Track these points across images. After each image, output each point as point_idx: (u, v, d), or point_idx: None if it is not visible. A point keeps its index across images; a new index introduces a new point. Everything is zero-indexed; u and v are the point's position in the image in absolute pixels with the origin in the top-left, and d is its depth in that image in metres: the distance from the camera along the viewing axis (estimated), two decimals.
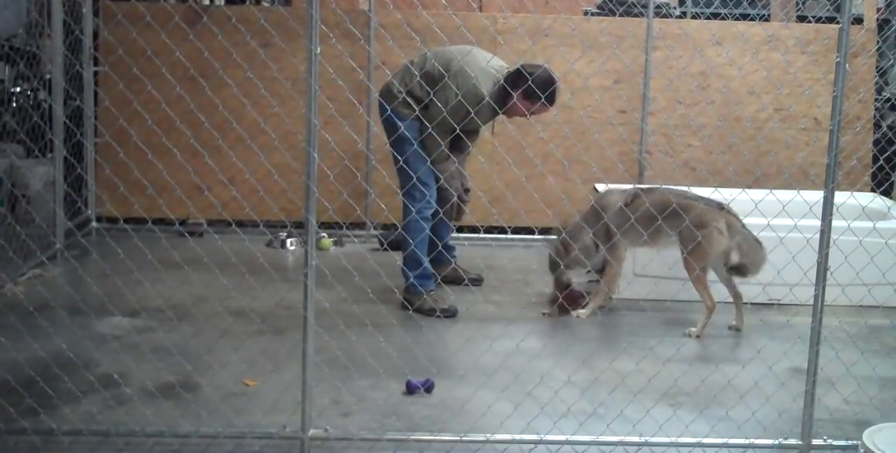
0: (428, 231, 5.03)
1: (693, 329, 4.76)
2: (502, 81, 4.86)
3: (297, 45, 6.03)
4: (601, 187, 5.51)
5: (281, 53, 6.25)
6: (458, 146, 5.09)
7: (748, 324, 4.73)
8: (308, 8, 3.18)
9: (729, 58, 6.66)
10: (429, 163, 4.86)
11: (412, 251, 5.01)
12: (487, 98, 4.73)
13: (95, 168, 6.33)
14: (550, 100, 4.73)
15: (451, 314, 4.96)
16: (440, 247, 5.13)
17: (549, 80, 4.78)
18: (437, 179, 4.95)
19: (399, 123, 4.94)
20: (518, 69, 4.84)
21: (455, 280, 5.35)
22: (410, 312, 4.96)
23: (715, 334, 4.63)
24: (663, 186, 5.01)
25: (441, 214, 5.00)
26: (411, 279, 5.01)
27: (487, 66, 4.88)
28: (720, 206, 4.82)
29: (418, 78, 4.84)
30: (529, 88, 4.60)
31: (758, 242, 4.78)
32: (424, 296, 5.00)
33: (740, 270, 4.85)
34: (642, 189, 5.03)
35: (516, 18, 6.74)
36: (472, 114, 4.68)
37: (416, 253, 5.01)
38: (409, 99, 4.91)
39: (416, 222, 4.91)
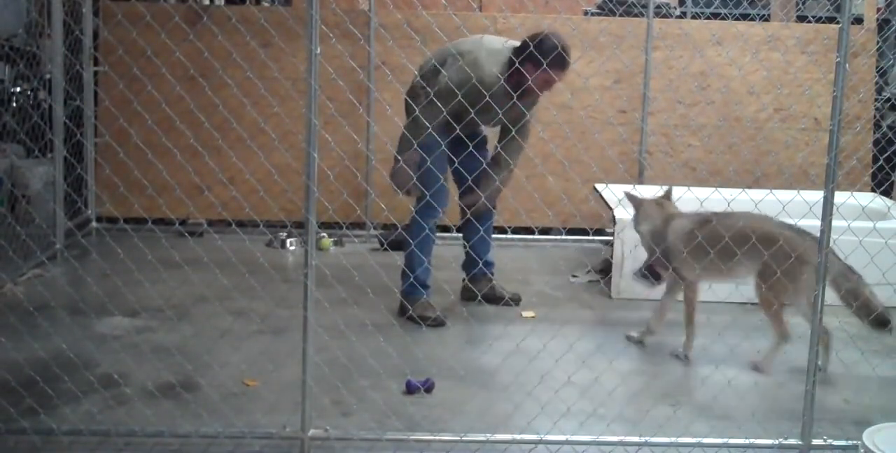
0: (431, 235, 4.87)
1: (758, 361, 4.33)
2: (508, 57, 4.60)
3: (297, 45, 6.02)
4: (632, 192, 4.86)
5: (281, 53, 6.25)
6: (496, 160, 4.87)
7: (748, 323, 4.72)
8: (308, 8, 3.18)
9: (729, 58, 6.66)
10: (437, 165, 4.62)
11: (409, 253, 4.86)
12: (499, 78, 4.49)
13: (95, 168, 6.33)
14: (560, 64, 4.49)
15: (438, 323, 4.83)
16: (480, 264, 4.99)
17: (553, 44, 4.49)
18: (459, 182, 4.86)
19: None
20: (523, 40, 4.56)
21: (492, 298, 5.10)
22: (404, 317, 4.87)
23: (715, 334, 4.62)
24: (741, 211, 4.36)
25: (481, 230, 4.89)
26: (408, 294, 4.87)
27: (502, 47, 4.63)
28: (814, 237, 4.09)
29: (434, 66, 4.69)
30: (533, 56, 4.34)
31: (852, 272, 4.25)
32: (418, 302, 4.87)
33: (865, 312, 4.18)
34: (715, 214, 4.45)
35: (516, 18, 6.74)
36: (473, 104, 4.33)
37: (412, 257, 4.84)
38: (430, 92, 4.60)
39: (416, 223, 4.78)
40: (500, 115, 4.52)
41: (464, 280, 5.22)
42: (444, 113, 4.34)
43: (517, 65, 4.53)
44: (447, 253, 5.31)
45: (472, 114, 4.33)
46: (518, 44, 4.62)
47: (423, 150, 4.58)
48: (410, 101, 4.80)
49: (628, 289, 5.31)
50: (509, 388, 3.90)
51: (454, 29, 6.10)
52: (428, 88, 4.56)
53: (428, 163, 4.47)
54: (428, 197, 4.61)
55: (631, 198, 4.75)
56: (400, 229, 6.23)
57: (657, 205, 4.68)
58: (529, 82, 4.44)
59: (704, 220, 4.43)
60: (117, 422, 3.46)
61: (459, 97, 4.38)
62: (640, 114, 6.67)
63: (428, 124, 4.32)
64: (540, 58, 4.32)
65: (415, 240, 4.80)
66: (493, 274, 5.23)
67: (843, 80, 3.25)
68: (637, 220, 4.72)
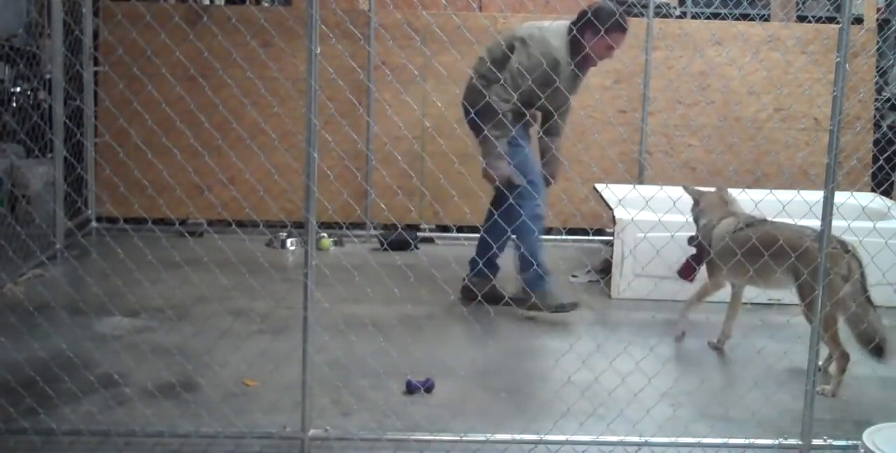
0: (539, 230, 4.85)
1: (827, 387, 4.06)
2: (569, 30, 4.67)
3: (297, 45, 6.02)
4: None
5: (281, 53, 6.25)
6: (550, 128, 4.91)
7: (748, 323, 4.72)
8: (308, 8, 3.18)
9: (729, 58, 6.66)
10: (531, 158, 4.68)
11: (526, 259, 4.82)
12: (567, 55, 4.57)
13: (95, 168, 6.33)
14: (618, 28, 4.56)
15: (573, 307, 4.89)
16: (480, 262, 5.03)
17: (609, 9, 4.58)
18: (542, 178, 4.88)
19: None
20: (579, 12, 4.65)
21: (494, 298, 4.94)
22: (549, 313, 4.89)
23: (715, 334, 4.62)
24: (776, 220, 4.36)
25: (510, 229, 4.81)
26: (535, 285, 4.88)
27: (562, 24, 4.72)
28: (846, 248, 4.14)
29: (488, 65, 4.68)
30: (591, 24, 4.41)
31: (869, 302, 4.10)
32: (551, 294, 4.90)
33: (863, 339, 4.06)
34: (755, 219, 4.47)
35: (516, 18, 6.73)
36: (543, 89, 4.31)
37: (529, 259, 4.81)
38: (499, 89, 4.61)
39: (525, 223, 4.65)
40: (566, 91, 4.54)
41: (464, 279, 5.20)
42: (516, 99, 4.43)
43: (578, 36, 4.57)
44: (447, 252, 5.31)
45: (543, 97, 4.26)
46: (574, 18, 4.71)
47: (510, 140, 4.65)
48: (468, 105, 4.78)
49: (628, 288, 5.31)
50: (509, 388, 3.90)
51: (454, 29, 6.12)
52: (499, 75, 4.55)
53: (525, 151, 4.64)
54: (538, 196, 4.74)
55: (690, 191, 4.80)
56: (400, 229, 6.25)
57: (719, 200, 4.70)
58: (598, 48, 4.56)
59: (748, 224, 4.44)
60: (117, 422, 3.46)
61: (532, 80, 4.41)
62: (640, 115, 6.67)
63: (509, 112, 4.45)
64: (598, 24, 4.38)
65: (529, 236, 4.78)
66: (495, 275, 5.22)
67: (843, 80, 3.25)
68: (697, 214, 4.74)
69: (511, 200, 4.51)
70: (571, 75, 4.72)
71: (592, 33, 4.56)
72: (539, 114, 5.07)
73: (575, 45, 4.66)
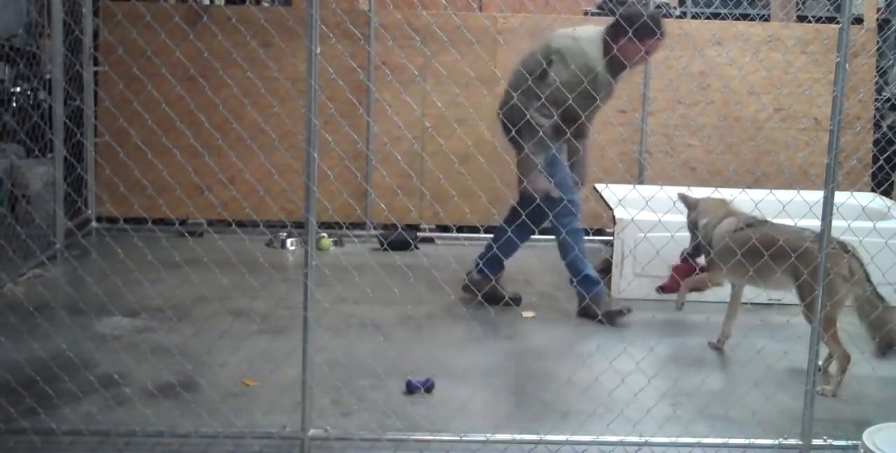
0: (579, 245, 4.91)
1: (828, 387, 4.07)
2: (604, 38, 4.65)
3: (297, 45, 6.02)
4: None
5: (281, 53, 6.25)
6: (577, 131, 4.84)
7: (748, 323, 4.72)
8: (308, 8, 3.18)
9: (729, 58, 6.66)
10: (565, 170, 4.68)
11: (575, 266, 4.94)
12: (603, 62, 4.56)
13: (95, 168, 6.33)
14: (651, 33, 4.54)
15: (625, 312, 4.91)
16: (479, 261, 5.05)
17: (639, 12, 4.57)
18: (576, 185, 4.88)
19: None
20: (615, 19, 4.64)
21: (494, 298, 5.01)
22: (598, 319, 4.91)
23: (715, 334, 4.62)
24: (775, 221, 4.41)
25: (535, 227, 4.80)
26: (588, 294, 4.93)
27: (596, 32, 4.70)
28: (845, 248, 4.17)
29: (527, 78, 4.62)
30: (624, 30, 4.37)
31: (881, 299, 4.14)
32: (602, 300, 4.95)
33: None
34: (755, 220, 4.49)
35: (516, 18, 6.74)
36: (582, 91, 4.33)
37: (577, 266, 4.93)
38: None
39: (566, 240, 4.76)
40: (599, 98, 4.56)
41: (465, 277, 5.19)
42: (557, 112, 4.40)
43: (613, 42, 4.55)
44: (447, 252, 5.31)
45: (583, 110, 4.31)
46: (609, 24, 4.70)
47: (549, 154, 4.69)
48: (507, 122, 4.75)
49: (628, 288, 5.31)
50: (509, 388, 3.90)
51: (454, 29, 6.12)
52: (539, 91, 4.48)
53: (565, 169, 4.67)
54: (574, 210, 4.80)
55: (685, 198, 4.82)
56: (400, 229, 6.25)
57: (719, 201, 4.70)
58: (633, 54, 4.55)
59: (748, 224, 4.45)
60: (117, 422, 3.46)
61: (572, 93, 4.34)
62: (640, 114, 6.67)
63: (546, 126, 4.49)
64: (633, 31, 4.33)
65: (572, 251, 4.88)
66: (499, 276, 5.21)
67: (843, 80, 3.25)
68: (696, 218, 4.73)
69: (551, 217, 4.62)
70: (607, 82, 4.70)
71: (627, 39, 4.51)
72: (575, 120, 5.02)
73: (609, 51, 4.63)
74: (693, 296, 4.90)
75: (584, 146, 5.08)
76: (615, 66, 4.66)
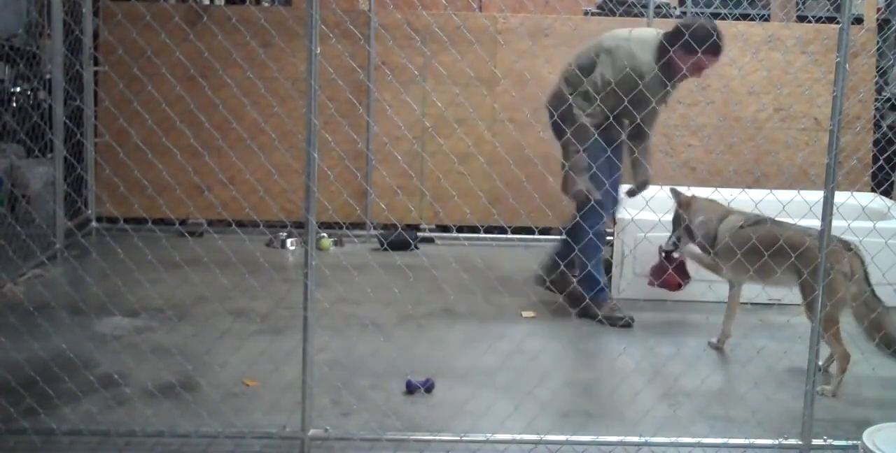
0: (602, 248, 4.89)
1: (827, 387, 4.06)
2: (660, 43, 4.62)
3: (297, 45, 6.02)
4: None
5: (281, 53, 6.25)
6: (635, 134, 4.87)
7: (748, 323, 4.72)
8: (308, 8, 3.18)
9: (729, 58, 6.64)
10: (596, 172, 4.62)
11: (588, 272, 4.90)
12: (654, 67, 4.52)
13: (95, 168, 6.33)
14: (714, 50, 4.49)
15: (627, 324, 4.87)
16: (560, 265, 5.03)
17: (706, 29, 4.52)
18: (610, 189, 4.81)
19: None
20: (675, 26, 4.61)
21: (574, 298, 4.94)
22: (599, 320, 4.90)
23: (715, 334, 4.62)
24: (774, 219, 4.39)
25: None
26: (588, 296, 4.88)
27: (651, 36, 4.69)
28: (847, 246, 4.16)
29: (576, 72, 4.65)
30: (687, 43, 4.34)
31: (878, 301, 4.13)
32: (606, 305, 4.94)
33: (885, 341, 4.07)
34: (760, 217, 4.46)
35: (516, 18, 6.74)
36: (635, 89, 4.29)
37: (593, 273, 4.89)
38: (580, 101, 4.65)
39: (592, 241, 4.64)
40: (653, 103, 4.48)
41: (544, 274, 5.16)
42: (598, 108, 4.42)
43: (670, 50, 4.54)
44: (447, 252, 5.31)
45: (629, 108, 4.25)
46: (669, 31, 4.66)
47: (588, 154, 4.64)
48: (552, 109, 4.77)
49: (628, 288, 5.30)
50: (509, 388, 3.90)
51: (454, 29, 6.12)
52: (584, 84, 4.57)
53: (594, 168, 4.56)
54: (601, 211, 4.74)
55: (676, 193, 4.80)
56: (400, 229, 6.25)
57: (713, 201, 4.69)
58: (684, 70, 4.47)
59: (754, 222, 4.44)
60: (117, 422, 3.46)
61: (615, 91, 4.37)
62: None
63: (590, 125, 4.50)
64: (694, 44, 4.30)
65: (594, 255, 4.84)
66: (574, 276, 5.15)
67: (843, 80, 3.25)
68: (691, 215, 4.70)
69: (577, 217, 4.59)
70: (658, 86, 4.61)
71: (686, 51, 4.46)
72: (626, 122, 4.96)
73: (664, 56, 4.61)
74: (693, 296, 4.91)
75: (644, 149, 5.01)
76: (670, 72, 4.61)
